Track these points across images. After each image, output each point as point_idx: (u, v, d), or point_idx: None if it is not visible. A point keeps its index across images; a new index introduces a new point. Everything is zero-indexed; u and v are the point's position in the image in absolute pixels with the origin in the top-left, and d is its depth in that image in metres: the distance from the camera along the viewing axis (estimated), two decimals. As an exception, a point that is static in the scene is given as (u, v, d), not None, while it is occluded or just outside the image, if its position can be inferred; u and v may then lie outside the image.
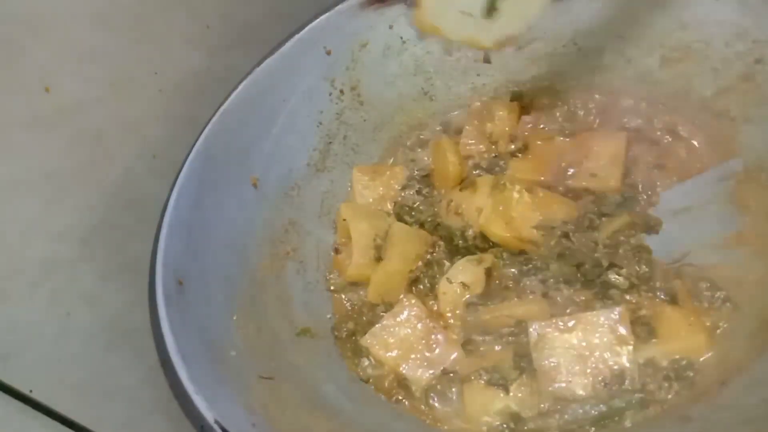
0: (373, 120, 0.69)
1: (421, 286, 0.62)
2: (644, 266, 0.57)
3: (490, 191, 0.62)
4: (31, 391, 0.55)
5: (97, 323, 0.60)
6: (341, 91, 0.67)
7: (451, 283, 0.59)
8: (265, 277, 0.60)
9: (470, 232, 0.62)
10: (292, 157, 0.65)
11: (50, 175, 0.57)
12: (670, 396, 0.53)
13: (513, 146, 0.66)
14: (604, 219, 0.60)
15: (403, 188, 0.68)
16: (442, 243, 0.64)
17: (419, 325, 0.58)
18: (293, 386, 0.54)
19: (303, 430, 0.51)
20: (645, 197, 0.62)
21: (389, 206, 0.68)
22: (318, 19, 0.65)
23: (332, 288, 0.65)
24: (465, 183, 0.65)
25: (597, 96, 0.67)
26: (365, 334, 0.59)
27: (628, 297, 0.56)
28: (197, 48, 0.69)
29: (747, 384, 0.50)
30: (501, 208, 0.61)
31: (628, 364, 0.53)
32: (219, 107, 0.62)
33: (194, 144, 0.60)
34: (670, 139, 0.64)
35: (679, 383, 0.53)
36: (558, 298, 0.58)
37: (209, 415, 0.47)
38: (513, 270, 0.60)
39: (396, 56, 0.68)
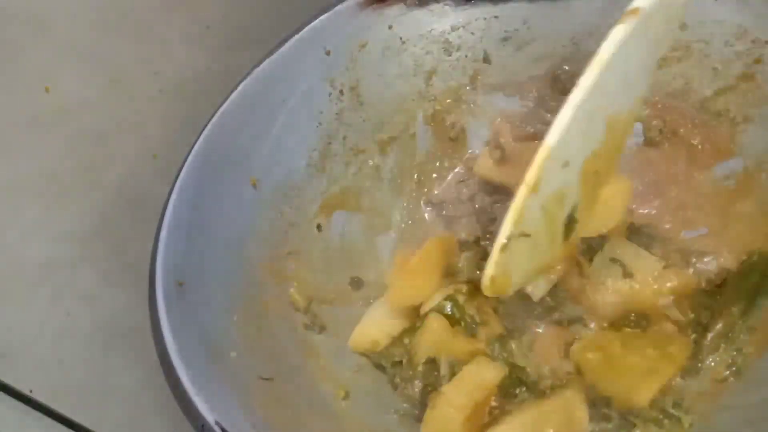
0: (372, 120, 0.69)
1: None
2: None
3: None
4: (31, 391, 0.55)
5: (97, 323, 0.60)
6: (341, 92, 0.67)
7: None
8: (265, 277, 0.60)
9: None
10: (291, 158, 0.65)
11: (50, 176, 0.57)
12: None
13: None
14: None
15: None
16: None
17: None
18: (293, 387, 0.54)
19: (303, 431, 0.51)
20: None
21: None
22: (318, 19, 0.65)
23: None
24: None
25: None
26: None
27: None
28: (197, 48, 0.70)
29: (747, 384, 0.50)
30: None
31: None
32: (219, 107, 0.61)
33: (194, 144, 0.60)
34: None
35: None
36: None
37: (209, 416, 0.47)
38: None
39: (395, 56, 0.68)
